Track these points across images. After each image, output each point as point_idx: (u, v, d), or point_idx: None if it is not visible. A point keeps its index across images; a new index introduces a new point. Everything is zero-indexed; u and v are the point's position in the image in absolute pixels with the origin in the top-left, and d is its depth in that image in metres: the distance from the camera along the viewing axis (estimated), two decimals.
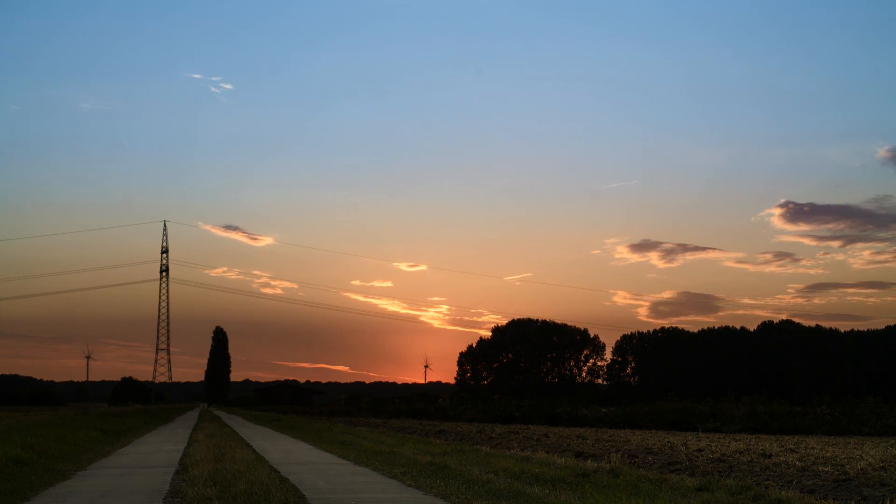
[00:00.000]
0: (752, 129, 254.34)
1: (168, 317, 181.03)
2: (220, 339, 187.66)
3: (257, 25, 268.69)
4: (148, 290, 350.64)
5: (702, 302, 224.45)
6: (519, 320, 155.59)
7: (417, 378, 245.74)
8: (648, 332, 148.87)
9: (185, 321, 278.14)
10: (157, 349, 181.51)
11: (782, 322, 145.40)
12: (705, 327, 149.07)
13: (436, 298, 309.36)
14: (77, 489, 16.07)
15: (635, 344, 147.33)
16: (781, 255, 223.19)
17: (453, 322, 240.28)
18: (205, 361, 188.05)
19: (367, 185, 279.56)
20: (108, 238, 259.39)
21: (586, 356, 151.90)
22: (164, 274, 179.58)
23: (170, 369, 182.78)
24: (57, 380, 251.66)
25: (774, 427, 41.20)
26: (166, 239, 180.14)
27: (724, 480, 16.19)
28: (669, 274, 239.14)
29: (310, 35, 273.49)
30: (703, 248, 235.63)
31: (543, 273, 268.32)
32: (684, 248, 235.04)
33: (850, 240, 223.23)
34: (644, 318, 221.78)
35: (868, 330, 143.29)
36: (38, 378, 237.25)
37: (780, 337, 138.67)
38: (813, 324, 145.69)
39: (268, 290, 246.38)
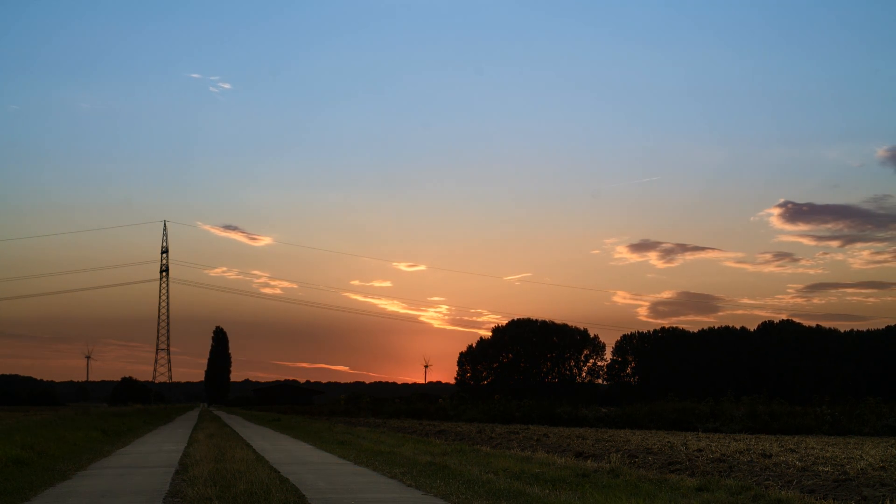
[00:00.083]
0: (751, 129, 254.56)
1: (168, 317, 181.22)
2: (220, 339, 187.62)
3: (257, 25, 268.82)
4: (148, 290, 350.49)
5: (701, 302, 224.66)
6: (519, 320, 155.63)
7: (417, 378, 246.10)
8: (648, 332, 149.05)
9: (185, 321, 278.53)
10: (157, 349, 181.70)
11: (782, 322, 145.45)
12: (705, 327, 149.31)
13: (435, 298, 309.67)
14: (77, 489, 16.07)
15: (635, 344, 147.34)
16: (781, 255, 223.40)
17: (453, 322, 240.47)
18: (205, 361, 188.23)
19: (367, 185, 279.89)
20: (108, 238, 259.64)
21: (586, 356, 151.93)
22: (164, 274, 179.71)
23: (170, 369, 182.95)
24: (57, 380, 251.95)
25: (774, 427, 41.18)
26: (166, 239, 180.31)
27: (724, 480, 16.19)
28: (669, 274, 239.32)
29: (310, 35, 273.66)
30: (703, 248, 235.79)
31: (543, 273, 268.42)
32: (683, 247, 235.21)
33: (849, 240, 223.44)
34: (644, 318, 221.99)
35: (868, 330, 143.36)
36: (38, 378, 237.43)
37: (780, 337, 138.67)
38: (813, 324, 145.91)
39: (267, 290, 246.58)
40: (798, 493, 14.86)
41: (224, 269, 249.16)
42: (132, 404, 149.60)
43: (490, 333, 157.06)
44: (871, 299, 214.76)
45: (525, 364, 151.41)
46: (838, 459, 20.60)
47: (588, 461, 21.51)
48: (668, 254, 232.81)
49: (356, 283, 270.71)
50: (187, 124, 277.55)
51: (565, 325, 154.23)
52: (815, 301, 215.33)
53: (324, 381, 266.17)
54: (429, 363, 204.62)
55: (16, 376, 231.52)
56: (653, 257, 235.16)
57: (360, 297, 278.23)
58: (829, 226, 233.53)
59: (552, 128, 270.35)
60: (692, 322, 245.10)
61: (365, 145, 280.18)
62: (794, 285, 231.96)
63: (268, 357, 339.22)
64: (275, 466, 20.13)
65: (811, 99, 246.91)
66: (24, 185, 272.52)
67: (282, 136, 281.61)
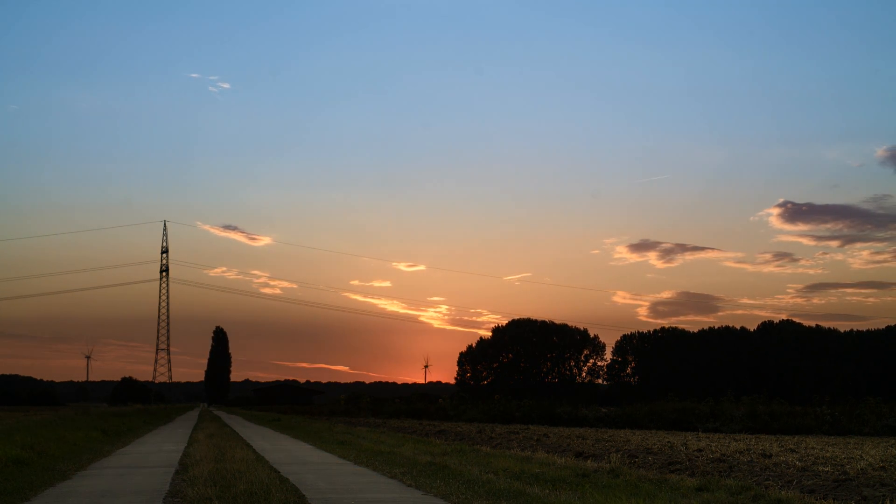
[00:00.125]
0: (750, 129, 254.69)
1: (168, 317, 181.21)
2: (220, 339, 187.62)
3: (257, 25, 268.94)
4: (148, 290, 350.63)
5: (701, 302, 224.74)
6: (519, 320, 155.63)
7: (417, 378, 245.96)
8: (648, 332, 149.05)
9: (185, 321, 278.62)
10: (157, 349, 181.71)
11: (782, 322, 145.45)
12: (705, 327, 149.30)
13: (435, 298, 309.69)
14: (77, 489, 16.07)
15: (635, 344, 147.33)
16: (780, 255, 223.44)
17: (453, 322, 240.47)
18: (205, 361, 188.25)
19: (367, 185, 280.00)
20: (108, 238, 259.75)
21: (586, 356, 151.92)
22: (164, 274, 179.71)
23: (170, 369, 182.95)
24: (57, 380, 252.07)
25: (774, 427, 41.18)
26: (166, 239, 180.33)
27: (724, 480, 16.19)
28: (668, 274, 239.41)
29: (310, 35, 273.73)
30: (702, 248, 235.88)
31: (543, 273, 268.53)
32: (683, 247, 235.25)
33: (848, 240, 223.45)
34: (644, 318, 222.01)
35: (868, 330, 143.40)
36: (38, 378, 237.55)
37: (780, 337, 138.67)
38: (813, 324, 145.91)
39: (267, 290, 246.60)
40: (798, 493, 14.86)
41: (224, 268, 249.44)
42: (132, 404, 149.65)
43: (490, 333, 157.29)
44: (871, 299, 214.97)
45: (525, 364, 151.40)
46: (838, 459, 20.60)
47: (588, 461, 21.51)
48: (667, 254, 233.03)
49: (356, 283, 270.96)
50: (187, 124, 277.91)
51: (565, 325, 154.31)
52: (815, 301, 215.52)
53: (324, 381, 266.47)
54: (429, 363, 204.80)
55: (16, 376, 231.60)
56: (652, 257, 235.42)
57: (359, 297, 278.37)
58: (828, 226, 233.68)
59: (552, 128, 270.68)
60: (692, 322, 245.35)
61: (365, 145, 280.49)
62: (794, 285, 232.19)
63: (268, 357, 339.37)
64: (275, 466, 20.13)
65: (811, 99, 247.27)
66: (24, 185, 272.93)
67: (281, 136, 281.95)
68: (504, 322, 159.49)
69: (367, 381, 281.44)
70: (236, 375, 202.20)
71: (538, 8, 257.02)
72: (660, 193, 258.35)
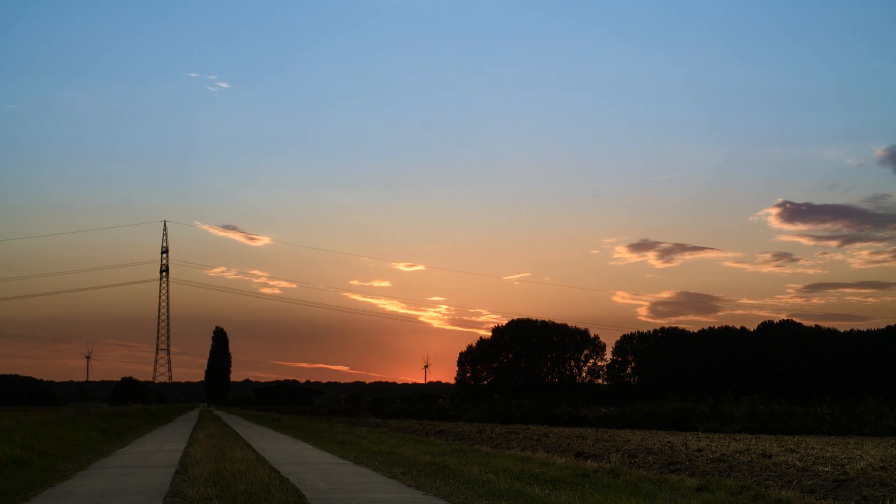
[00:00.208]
0: (749, 129, 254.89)
1: (168, 317, 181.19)
2: (220, 339, 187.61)
3: (256, 25, 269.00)
4: (148, 290, 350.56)
5: (701, 302, 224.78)
6: (519, 320, 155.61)
7: (417, 378, 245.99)
8: (648, 332, 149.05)
9: (185, 321, 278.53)
10: (157, 349, 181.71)
11: (782, 322, 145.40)
12: (705, 327, 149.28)
13: (435, 298, 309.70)
14: (77, 489, 16.07)
15: (635, 344, 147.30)
16: (780, 256, 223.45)
17: (453, 322, 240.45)
18: (205, 361, 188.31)
19: (366, 184, 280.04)
20: (108, 238, 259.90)
21: (586, 356, 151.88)
22: (164, 274, 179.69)
23: (170, 369, 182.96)
24: (57, 380, 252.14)
25: (774, 427, 41.18)
26: (166, 239, 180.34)
27: (725, 480, 16.19)
28: (668, 274, 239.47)
29: (310, 35, 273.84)
30: (701, 248, 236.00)
31: (542, 272, 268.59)
32: (682, 247, 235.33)
33: (847, 239, 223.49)
34: (644, 318, 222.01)
35: (868, 330, 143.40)
36: (38, 378, 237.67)
37: (780, 337, 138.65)
38: (812, 324, 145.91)
39: (266, 290, 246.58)
40: (798, 493, 14.85)
41: (223, 268, 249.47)
42: (132, 404, 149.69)
43: (490, 333, 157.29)
44: (871, 299, 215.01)
45: (525, 364, 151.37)
46: (838, 459, 20.60)
47: (588, 461, 21.50)
48: (666, 254, 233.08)
49: (355, 282, 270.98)
50: (187, 124, 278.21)
51: (565, 325, 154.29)
52: (815, 301, 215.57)
53: (324, 381, 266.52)
54: (429, 363, 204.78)
55: (16, 376, 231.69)
56: (651, 257, 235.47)
57: (359, 297, 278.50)
58: (827, 225, 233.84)
59: (552, 128, 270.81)
60: (692, 322, 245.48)
61: (364, 145, 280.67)
62: (794, 285, 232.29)
63: (267, 357, 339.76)
64: (275, 466, 20.13)
65: (810, 99, 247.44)
66: (24, 185, 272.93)
67: (281, 136, 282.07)
68: (504, 322, 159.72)
69: (367, 381, 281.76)
70: (236, 375, 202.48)
71: (538, 8, 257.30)
72: (659, 193, 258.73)
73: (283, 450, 27.21)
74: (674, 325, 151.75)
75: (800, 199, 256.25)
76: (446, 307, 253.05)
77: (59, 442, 27.09)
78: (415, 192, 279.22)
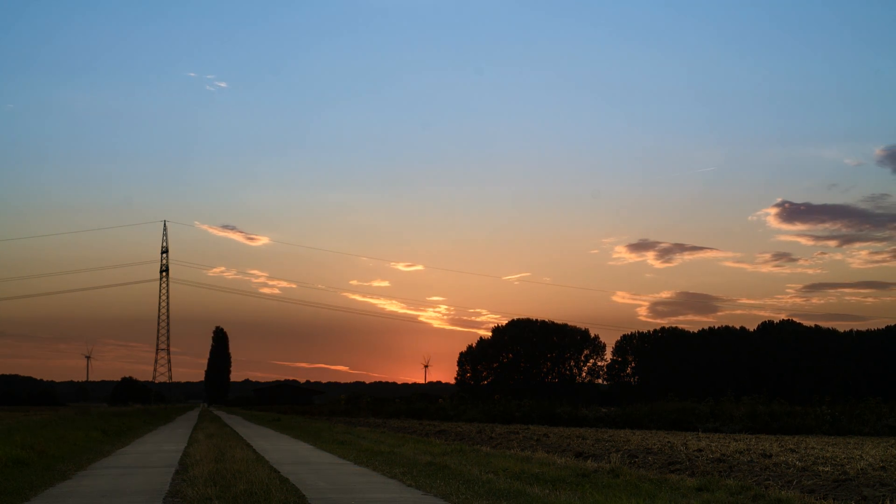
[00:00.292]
0: (748, 129, 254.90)
1: (168, 317, 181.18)
2: (220, 339, 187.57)
3: (256, 25, 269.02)
4: (148, 290, 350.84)
5: (700, 302, 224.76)
6: (519, 320, 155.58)
7: (417, 378, 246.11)
8: (648, 332, 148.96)
9: (185, 321, 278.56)
10: (157, 349, 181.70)
11: (782, 322, 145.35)
12: (705, 327, 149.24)
13: (435, 298, 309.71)
14: (77, 489, 16.07)
15: (635, 344, 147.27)
16: (779, 255, 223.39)
17: (452, 322, 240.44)
18: (205, 361, 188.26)
19: (365, 184, 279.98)
20: (108, 238, 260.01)
21: (586, 356, 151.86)
22: (164, 274, 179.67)
23: (170, 369, 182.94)
24: (57, 380, 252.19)
25: (774, 427, 41.18)
26: (166, 239, 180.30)
27: (724, 480, 16.19)
28: (667, 274, 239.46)
29: (310, 35, 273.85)
30: (701, 248, 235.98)
31: (541, 272, 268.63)
32: (682, 247, 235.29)
33: (846, 239, 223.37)
34: (644, 318, 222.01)
35: (867, 330, 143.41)
36: (38, 378, 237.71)
37: (780, 337, 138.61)
38: (812, 324, 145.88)
39: (266, 290, 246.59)
40: (798, 493, 14.86)
41: (223, 268, 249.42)
42: (132, 404, 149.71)
43: (490, 333, 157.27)
44: (870, 299, 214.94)
45: (525, 364, 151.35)
46: (838, 459, 20.60)
47: (588, 461, 21.51)
48: (666, 253, 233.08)
49: (355, 282, 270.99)
50: (186, 124, 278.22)
51: (565, 325, 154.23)
52: (815, 301, 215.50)
53: (324, 381, 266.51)
54: (429, 363, 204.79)
55: (16, 376, 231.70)
56: (651, 257, 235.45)
57: (358, 297, 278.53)
58: (826, 225, 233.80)
59: (551, 128, 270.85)
60: (691, 322, 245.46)
61: (364, 145, 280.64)
62: (793, 285, 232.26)
63: (267, 357, 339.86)
64: (275, 466, 20.13)
65: (808, 99, 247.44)
66: (24, 185, 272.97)
67: (281, 136, 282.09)
68: (503, 322, 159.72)
69: (367, 381, 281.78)
70: (236, 375, 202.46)
71: (538, 8, 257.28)
72: (658, 193, 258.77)
73: (283, 450, 27.21)
74: (673, 325, 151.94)
75: (799, 198, 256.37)
76: (446, 307, 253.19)
77: (59, 442, 27.09)
78: (414, 192, 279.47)
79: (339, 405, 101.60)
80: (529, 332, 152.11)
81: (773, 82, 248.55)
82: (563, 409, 54.02)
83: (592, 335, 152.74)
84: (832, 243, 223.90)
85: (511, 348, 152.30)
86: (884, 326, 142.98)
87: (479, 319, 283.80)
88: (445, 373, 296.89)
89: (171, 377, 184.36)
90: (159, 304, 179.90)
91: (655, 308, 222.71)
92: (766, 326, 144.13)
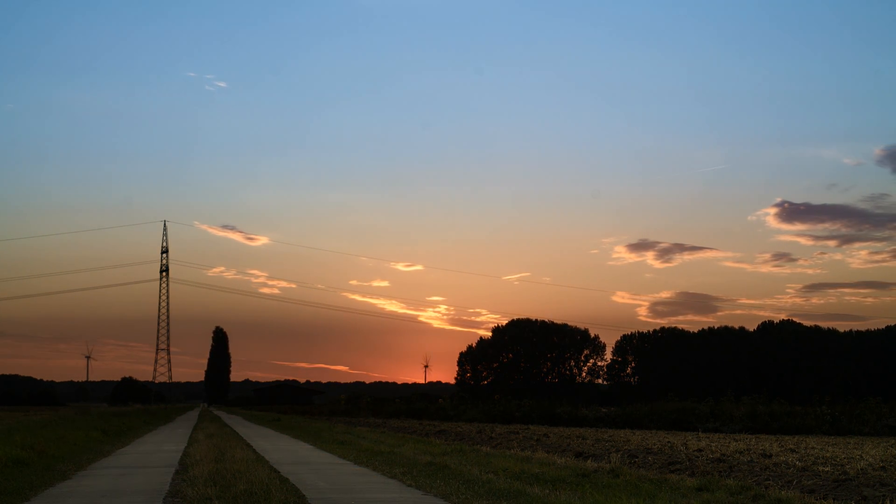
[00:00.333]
0: (748, 129, 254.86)
1: (168, 317, 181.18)
2: (220, 339, 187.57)
3: (256, 25, 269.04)
4: (148, 290, 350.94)
5: (700, 302, 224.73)
6: (519, 320, 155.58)
7: (417, 378, 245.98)
8: (648, 332, 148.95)
9: (185, 321, 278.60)
10: (157, 349, 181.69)
11: (782, 322, 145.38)
12: (704, 327, 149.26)
13: (435, 298, 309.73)
14: (77, 489, 16.07)
15: (635, 344, 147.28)
16: (779, 255, 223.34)
17: (452, 322, 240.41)
18: (205, 361, 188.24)
19: (365, 184, 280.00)
20: (108, 238, 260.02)
21: (586, 356, 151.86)
22: (164, 274, 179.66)
23: (170, 369, 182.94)
24: (57, 380, 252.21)
25: (774, 427, 41.18)
26: (166, 239, 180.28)
27: (724, 480, 16.19)
28: (667, 274, 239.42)
29: (310, 35, 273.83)
30: (700, 248, 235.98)
31: (541, 272, 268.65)
32: (681, 247, 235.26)
33: (846, 239, 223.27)
34: (643, 318, 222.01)
35: (867, 330, 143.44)
36: (38, 378, 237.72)
37: (780, 337, 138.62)
38: (812, 324, 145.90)
39: (265, 290, 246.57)
40: (798, 493, 14.86)
41: (222, 268, 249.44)
42: (132, 404, 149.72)
43: (489, 333, 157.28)
44: (870, 299, 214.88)
45: (525, 364, 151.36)
46: (838, 459, 20.60)
47: (588, 461, 21.51)
48: (665, 253, 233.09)
49: (354, 282, 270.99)
50: (186, 124, 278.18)
51: (565, 325, 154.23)
52: (814, 301, 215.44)
53: (324, 381, 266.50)
54: (428, 363, 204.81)
55: (16, 376, 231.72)
56: (650, 257, 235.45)
57: (358, 297, 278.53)
58: (826, 225, 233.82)
59: (552, 128, 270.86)
60: (691, 322, 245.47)
61: (364, 145, 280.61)
62: (793, 285, 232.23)
63: (267, 357, 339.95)
64: (275, 466, 20.14)
65: (808, 99, 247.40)
66: (24, 185, 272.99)
67: (281, 136, 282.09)
68: (503, 322, 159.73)
69: (367, 381, 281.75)
70: (236, 375, 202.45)
71: (538, 8, 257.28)
72: (658, 193, 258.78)
73: (283, 450, 27.21)
74: (673, 325, 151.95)
75: (798, 198, 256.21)
76: (446, 307, 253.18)
77: (59, 442, 27.09)
78: (414, 192, 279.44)
79: (339, 405, 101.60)
80: (529, 332, 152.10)
81: (773, 82, 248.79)
82: (563, 409, 54.03)
83: (592, 335, 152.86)
84: (832, 243, 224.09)
85: (511, 348, 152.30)
86: (884, 326, 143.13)
87: (478, 319, 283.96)
88: (445, 373, 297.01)
89: (171, 377, 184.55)
90: (159, 304, 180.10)
91: (655, 308, 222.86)
92: (766, 326, 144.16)
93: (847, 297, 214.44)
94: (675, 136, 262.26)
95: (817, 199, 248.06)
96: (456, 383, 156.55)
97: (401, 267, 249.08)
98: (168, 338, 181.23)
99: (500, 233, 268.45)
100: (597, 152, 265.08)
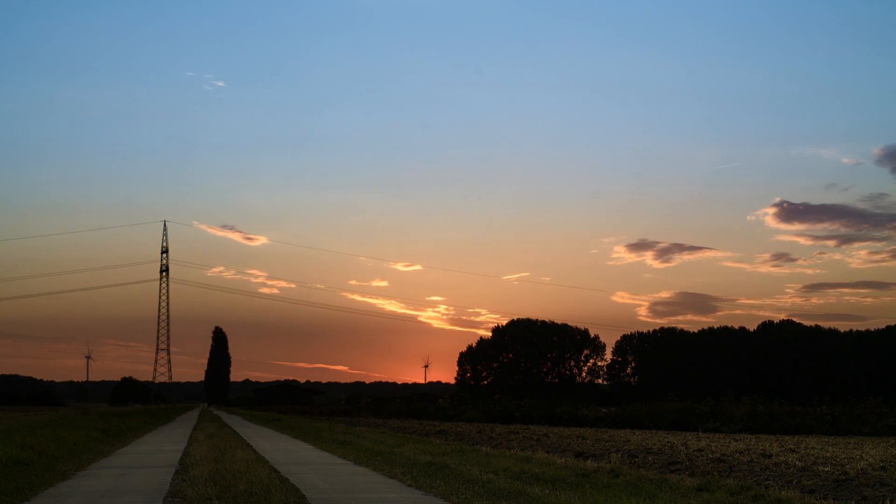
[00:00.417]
0: (747, 129, 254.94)
1: (168, 317, 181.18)
2: (219, 339, 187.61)
3: (256, 25, 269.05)
4: (148, 290, 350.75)
5: (700, 302, 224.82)
6: (519, 320, 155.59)
7: (417, 378, 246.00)
8: (648, 332, 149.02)
9: (185, 321, 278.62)
10: (157, 349, 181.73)
11: (782, 322, 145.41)
12: (704, 327, 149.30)
13: (434, 298, 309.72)
14: (77, 489, 16.07)
15: (635, 344, 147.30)
16: (778, 255, 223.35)
17: (452, 322, 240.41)
18: (205, 361, 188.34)
19: (365, 184, 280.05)
20: (108, 238, 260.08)
21: (586, 356, 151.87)
22: (164, 274, 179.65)
23: (170, 369, 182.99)
24: (57, 380, 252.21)
25: (774, 427, 41.17)
26: (166, 239, 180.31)
27: (724, 480, 16.19)
28: (666, 274, 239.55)
29: (310, 35, 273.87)
30: (699, 248, 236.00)
31: (541, 272, 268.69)
32: (680, 247, 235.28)
33: (845, 239, 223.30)
34: (643, 318, 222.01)
35: (867, 330, 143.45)
36: (38, 378, 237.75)
37: (780, 337, 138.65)
38: (812, 324, 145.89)
39: (265, 290, 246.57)
40: (798, 493, 14.86)
41: (222, 268, 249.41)
42: (132, 404, 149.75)
43: (489, 333, 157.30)
44: (869, 299, 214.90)
45: (525, 364, 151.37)
46: (838, 459, 20.60)
47: (588, 461, 21.51)
48: (665, 253, 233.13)
49: (354, 282, 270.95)
50: (186, 123, 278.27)
51: (565, 325, 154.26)
52: (814, 301, 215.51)
53: (323, 381, 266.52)
54: (429, 363, 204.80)
55: (16, 376, 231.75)
56: (650, 257, 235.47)
57: (358, 297, 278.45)
58: (825, 225, 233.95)
59: (552, 128, 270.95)
60: (691, 322, 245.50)
61: (364, 145, 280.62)
62: (793, 285, 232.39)
63: (267, 357, 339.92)
64: (275, 466, 20.13)
65: (807, 98, 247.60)
66: (24, 185, 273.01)
67: (281, 136, 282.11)
68: (503, 322, 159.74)
69: (367, 381, 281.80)
70: (236, 375, 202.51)
71: (538, 8, 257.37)
72: (657, 193, 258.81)
73: (283, 450, 27.21)
74: (673, 326, 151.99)
75: (797, 198, 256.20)
76: (445, 307, 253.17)
77: (59, 442, 27.08)
78: (414, 192, 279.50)
79: (339, 405, 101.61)
80: (529, 332, 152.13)
81: (772, 82, 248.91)
82: (563, 409, 54.02)
83: (592, 335, 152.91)
84: (831, 243, 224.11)
85: (511, 348, 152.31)
86: (883, 326, 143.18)
87: (478, 319, 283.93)
88: (445, 373, 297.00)
89: (171, 377, 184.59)
90: (159, 304, 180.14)
91: (655, 308, 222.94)
92: (766, 326, 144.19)
93: (847, 297, 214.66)
94: (674, 135, 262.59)
95: (816, 198, 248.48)
96: (456, 383, 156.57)
97: (400, 267, 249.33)
98: (168, 338, 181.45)
99: (500, 233, 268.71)
100: (597, 152, 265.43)
